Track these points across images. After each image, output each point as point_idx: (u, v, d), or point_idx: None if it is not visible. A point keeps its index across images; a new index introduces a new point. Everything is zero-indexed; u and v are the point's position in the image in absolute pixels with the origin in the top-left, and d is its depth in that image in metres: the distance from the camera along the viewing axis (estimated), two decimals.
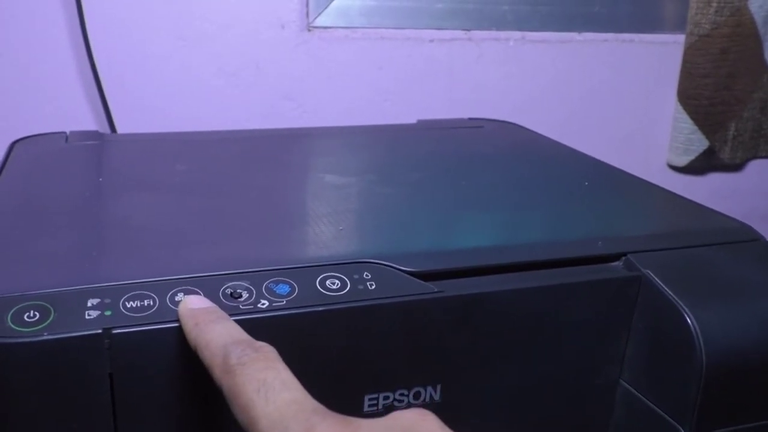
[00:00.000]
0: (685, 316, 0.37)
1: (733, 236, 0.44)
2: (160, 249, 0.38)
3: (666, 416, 0.38)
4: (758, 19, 0.84)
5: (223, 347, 0.27)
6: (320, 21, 0.79)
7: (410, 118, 0.79)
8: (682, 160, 0.91)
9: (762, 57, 0.88)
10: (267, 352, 0.27)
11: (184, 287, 0.33)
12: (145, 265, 0.35)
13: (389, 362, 0.36)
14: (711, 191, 0.97)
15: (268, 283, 0.34)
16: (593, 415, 0.42)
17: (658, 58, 0.90)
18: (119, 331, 0.30)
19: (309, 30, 0.78)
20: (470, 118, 0.77)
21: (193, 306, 0.31)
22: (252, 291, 0.34)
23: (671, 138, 0.92)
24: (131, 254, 0.37)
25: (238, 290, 0.33)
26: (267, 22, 0.77)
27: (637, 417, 0.40)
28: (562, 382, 0.41)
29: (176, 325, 0.31)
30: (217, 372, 0.27)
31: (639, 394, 0.40)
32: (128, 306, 0.31)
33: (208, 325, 0.29)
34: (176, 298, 0.32)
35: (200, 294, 0.33)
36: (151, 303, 0.32)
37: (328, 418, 0.24)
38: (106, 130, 0.72)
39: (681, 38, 0.87)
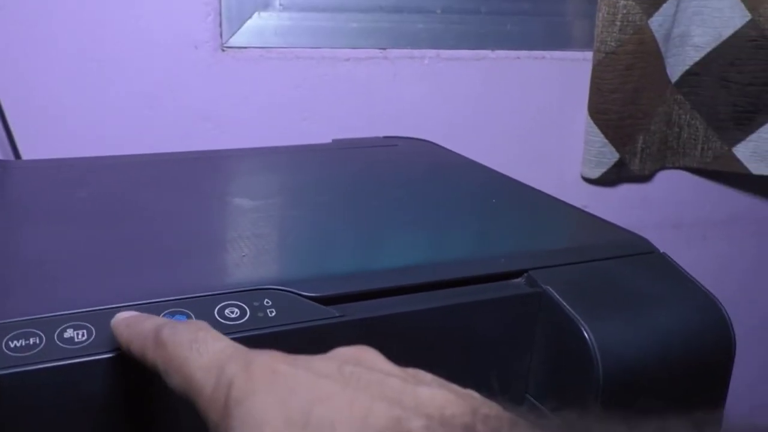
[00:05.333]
0: (582, 330, 0.38)
1: (630, 249, 0.45)
2: (50, 283, 0.36)
3: None
4: (659, 36, 0.87)
5: (154, 329, 0.28)
6: (234, 41, 0.79)
7: (328, 138, 0.80)
8: (595, 173, 0.94)
9: (664, 72, 0.92)
10: (198, 321, 0.28)
11: (73, 323, 0.32)
12: (33, 301, 0.34)
13: None
14: (624, 202, 1.00)
15: (164, 314, 0.33)
16: None
17: (568, 74, 0.93)
18: (2, 372, 0.29)
19: (223, 50, 0.78)
20: (385, 137, 0.78)
21: (124, 315, 0.31)
22: None
23: (584, 151, 0.95)
24: (17, 290, 0.35)
25: None
26: (180, 42, 0.76)
27: None
28: None
29: (67, 362, 0.30)
30: (150, 352, 0.27)
31: (544, 408, 0.41)
32: (12, 345, 0.30)
33: (139, 323, 0.29)
34: (65, 335, 0.31)
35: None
36: (38, 341, 0.31)
37: (266, 352, 0.24)
38: (9, 156, 0.69)
39: (589, 55, 0.90)
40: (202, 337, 0.26)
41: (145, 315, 0.31)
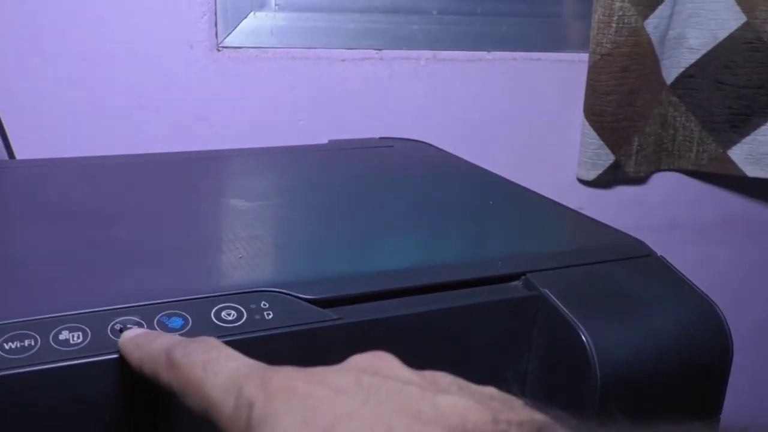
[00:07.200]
0: (580, 333, 0.38)
1: (627, 252, 0.45)
2: (46, 284, 0.36)
3: None
4: (654, 39, 0.87)
5: (165, 350, 0.27)
6: (230, 41, 0.78)
7: (324, 138, 0.79)
8: (591, 174, 0.94)
9: (660, 74, 0.92)
10: (208, 339, 0.28)
11: (68, 325, 0.32)
12: (28, 303, 0.33)
13: None
14: (619, 204, 1.00)
15: (161, 316, 0.33)
16: None
17: (564, 75, 0.93)
18: None
19: (218, 50, 0.77)
20: (381, 138, 0.78)
21: (132, 334, 0.31)
22: (143, 326, 0.32)
23: (580, 153, 0.95)
24: (12, 291, 0.35)
25: (128, 326, 0.32)
26: (175, 42, 0.76)
27: None
28: None
29: (62, 364, 0.30)
30: (164, 374, 0.27)
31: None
32: (7, 347, 0.30)
33: (149, 342, 0.29)
34: (60, 337, 0.31)
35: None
36: (33, 343, 0.30)
37: (283, 369, 0.24)
38: (4, 156, 0.69)
39: (585, 57, 0.90)
40: (215, 356, 0.26)
41: (153, 333, 0.31)
